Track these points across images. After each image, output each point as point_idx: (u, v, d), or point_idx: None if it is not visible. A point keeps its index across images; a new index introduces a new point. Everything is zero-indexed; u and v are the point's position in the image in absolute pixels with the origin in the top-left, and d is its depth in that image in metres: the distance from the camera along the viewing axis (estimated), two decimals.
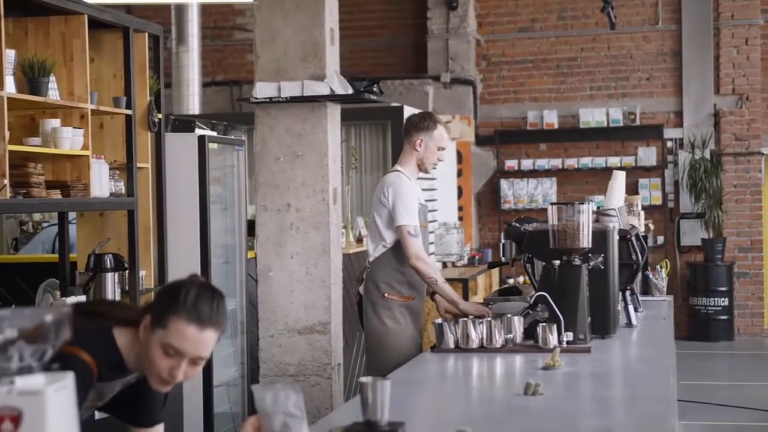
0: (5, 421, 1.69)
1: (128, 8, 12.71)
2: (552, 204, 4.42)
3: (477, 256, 10.93)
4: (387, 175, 5.31)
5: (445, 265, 10.20)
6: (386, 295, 5.17)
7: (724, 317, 12.18)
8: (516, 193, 12.86)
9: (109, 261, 5.34)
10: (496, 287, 10.35)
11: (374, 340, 5.21)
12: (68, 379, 1.77)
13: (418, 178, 5.40)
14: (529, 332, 4.31)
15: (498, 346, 4.20)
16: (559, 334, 4.20)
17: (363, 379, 2.71)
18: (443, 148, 5.29)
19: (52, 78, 4.85)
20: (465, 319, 4.30)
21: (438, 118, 5.38)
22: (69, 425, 1.77)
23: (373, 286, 5.22)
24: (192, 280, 2.63)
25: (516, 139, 12.97)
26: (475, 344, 4.21)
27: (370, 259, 5.28)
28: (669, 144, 12.66)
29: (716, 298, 12.15)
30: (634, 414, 3.08)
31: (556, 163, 12.73)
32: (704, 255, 12.33)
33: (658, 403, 3.16)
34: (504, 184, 12.86)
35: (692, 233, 12.51)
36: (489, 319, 4.28)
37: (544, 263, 4.48)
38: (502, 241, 5.11)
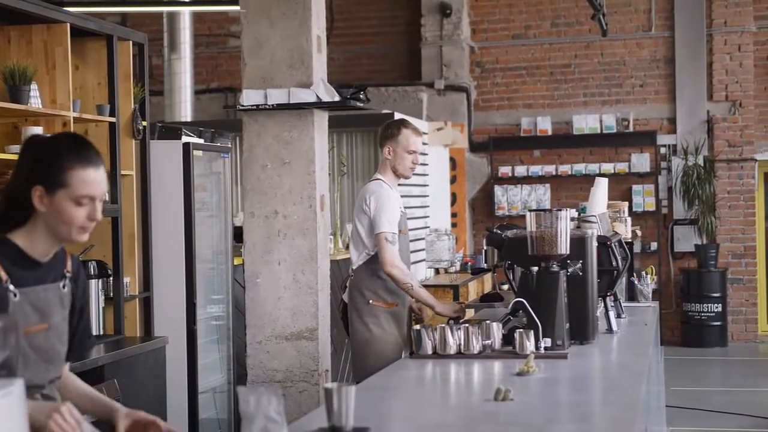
0: None
1: (123, 16, 12.76)
2: (530, 211, 4.43)
3: (470, 263, 10.94)
4: (368, 184, 5.41)
5: (437, 271, 10.21)
6: (371, 302, 5.25)
7: (718, 323, 12.19)
8: (510, 200, 12.87)
9: (93, 268, 5.36)
10: None
11: (360, 346, 5.26)
12: (16, 386, 1.79)
13: (399, 185, 5.45)
14: (509, 338, 4.32)
15: (475, 352, 4.21)
16: (537, 340, 4.21)
17: (327, 385, 2.74)
18: (413, 152, 5.36)
19: (34, 86, 4.88)
20: (443, 325, 4.32)
21: (405, 123, 5.46)
22: (18, 430, 1.78)
23: (357, 294, 5.29)
24: (58, 137, 2.77)
25: (510, 146, 12.99)
26: (452, 350, 4.22)
27: (354, 267, 5.36)
28: (662, 150, 12.68)
29: (710, 304, 12.16)
30: (601, 419, 3.10)
31: (550, 169, 12.75)
32: (698, 261, 12.34)
33: (625, 408, 3.17)
34: (498, 190, 12.87)
35: (686, 239, 12.52)
36: (467, 325, 4.29)
37: (522, 269, 4.50)
38: (484, 247, 5.13)
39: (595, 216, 5.12)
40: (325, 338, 5.74)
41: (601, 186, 5.53)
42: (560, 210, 4.39)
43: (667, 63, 12.69)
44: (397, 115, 9.86)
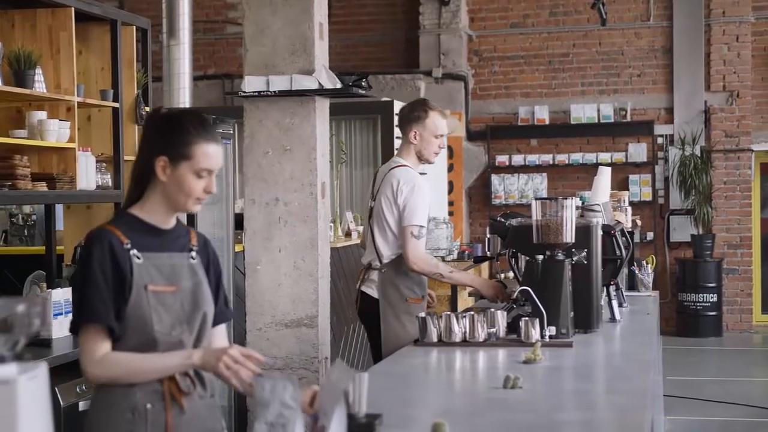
0: None
1: (120, 1, 12.71)
2: (536, 199, 4.43)
3: (467, 251, 10.96)
4: (396, 171, 5.10)
5: None
6: (408, 299, 5.02)
7: (713, 313, 12.22)
8: (507, 189, 12.88)
9: None
10: None
11: (395, 344, 4.90)
12: (40, 369, 1.79)
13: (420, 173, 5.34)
14: (513, 327, 4.33)
15: (480, 340, 4.21)
16: (542, 328, 4.22)
17: None
18: (441, 135, 5.11)
19: (38, 70, 4.87)
20: (448, 313, 4.32)
21: (431, 105, 5.20)
22: (41, 414, 1.78)
23: (392, 290, 5.03)
24: (183, 112, 2.95)
25: (507, 135, 12.99)
26: (457, 338, 4.22)
27: (384, 260, 5.05)
28: (659, 140, 12.70)
29: (705, 294, 12.19)
30: (610, 407, 3.11)
31: (547, 158, 12.76)
32: (693, 251, 12.37)
33: (634, 397, 3.18)
34: (495, 179, 12.88)
35: (682, 229, 12.54)
36: (472, 313, 4.30)
37: (527, 258, 4.50)
38: (488, 236, 5.11)
39: (599, 205, 5.13)
40: (324, 326, 5.74)
41: (604, 175, 5.53)
42: (566, 198, 4.39)
43: (665, 53, 12.70)
44: (398, 104, 9.87)
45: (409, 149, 5.15)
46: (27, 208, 8.53)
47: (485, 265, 11.01)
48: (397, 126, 9.77)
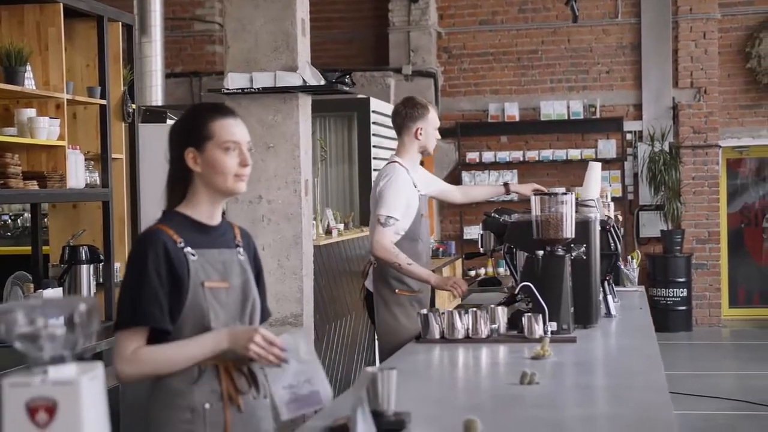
0: (40, 412, 1.67)
1: None
2: (536, 194, 4.43)
3: (440, 249, 10.99)
4: (384, 167, 5.24)
5: None
6: (397, 291, 5.10)
7: (683, 308, 12.33)
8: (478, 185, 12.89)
9: (84, 253, 5.27)
10: None
11: (389, 336, 5.07)
12: (99, 369, 1.75)
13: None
14: (512, 322, 4.32)
15: (483, 336, 4.21)
16: (544, 324, 4.22)
17: (369, 368, 2.70)
18: (438, 127, 5.31)
19: (29, 67, 4.79)
20: (451, 309, 4.30)
21: (425, 101, 5.33)
22: (101, 414, 1.75)
23: (382, 283, 5.12)
24: (193, 106, 2.95)
25: (477, 132, 13.00)
26: (460, 335, 4.21)
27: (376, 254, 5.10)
28: (629, 136, 12.77)
29: (675, 289, 12.29)
30: (632, 403, 3.09)
31: (518, 155, 12.79)
32: (663, 246, 12.46)
33: (655, 392, 3.19)
34: (466, 176, 12.89)
35: (651, 225, 12.63)
36: (474, 309, 4.28)
37: (527, 254, 4.49)
38: (480, 232, 5.09)
39: (593, 200, 5.14)
40: (309, 324, 5.72)
41: (595, 170, 5.54)
42: (565, 194, 4.39)
43: (633, 49, 12.78)
44: (374, 101, 9.84)
45: (411, 146, 5.21)
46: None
47: (458, 262, 11.03)
48: (374, 123, 9.75)
